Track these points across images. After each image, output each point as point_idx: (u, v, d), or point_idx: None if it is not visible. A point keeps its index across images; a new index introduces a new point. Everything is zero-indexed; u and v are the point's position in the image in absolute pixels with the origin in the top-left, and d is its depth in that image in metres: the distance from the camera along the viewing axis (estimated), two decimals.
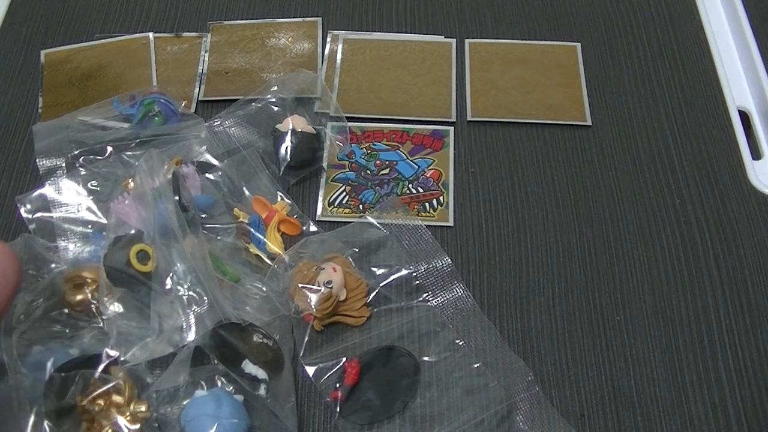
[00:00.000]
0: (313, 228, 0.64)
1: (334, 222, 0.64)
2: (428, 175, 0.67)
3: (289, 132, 0.66)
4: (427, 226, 0.63)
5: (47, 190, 0.63)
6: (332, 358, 0.57)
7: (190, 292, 0.54)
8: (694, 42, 0.77)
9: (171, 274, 0.54)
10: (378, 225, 0.62)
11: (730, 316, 0.60)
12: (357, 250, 0.61)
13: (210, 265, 0.56)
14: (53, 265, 0.58)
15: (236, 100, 0.70)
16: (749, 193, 0.67)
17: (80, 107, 0.69)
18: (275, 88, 0.70)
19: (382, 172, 0.67)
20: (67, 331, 0.56)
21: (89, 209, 0.62)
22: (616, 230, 0.64)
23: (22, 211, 0.62)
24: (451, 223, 0.64)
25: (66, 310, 0.57)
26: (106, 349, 0.53)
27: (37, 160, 0.65)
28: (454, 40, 0.77)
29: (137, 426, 0.50)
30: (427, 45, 0.76)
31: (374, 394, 0.55)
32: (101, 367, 0.52)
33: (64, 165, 0.64)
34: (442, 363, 0.57)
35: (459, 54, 0.76)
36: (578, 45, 0.76)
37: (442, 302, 0.59)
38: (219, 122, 0.68)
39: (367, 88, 0.73)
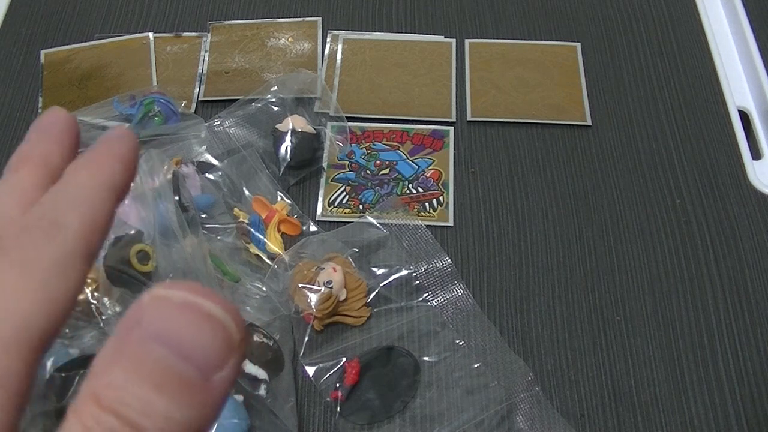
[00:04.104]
0: (313, 228, 0.64)
1: (334, 222, 0.64)
2: (428, 175, 0.67)
3: (289, 132, 0.66)
4: (427, 226, 0.63)
5: None
6: (332, 358, 0.57)
7: None
8: (694, 42, 0.77)
9: (171, 274, 0.54)
10: (378, 225, 0.62)
11: (730, 316, 0.60)
12: (357, 250, 0.61)
13: (210, 265, 0.56)
14: None
15: (236, 100, 0.70)
16: (749, 193, 0.67)
17: (80, 107, 0.69)
18: (275, 88, 0.70)
19: (382, 172, 0.67)
20: (67, 331, 0.56)
21: None
22: (616, 230, 0.64)
23: None
24: (451, 223, 0.64)
25: None
26: None
27: None
28: (454, 40, 0.77)
29: None
30: (427, 45, 0.76)
31: (374, 394, 0.55)
32: None
33: None
34: (442, 363, 0.57)
35: (459, 54, 0.76)
36: (578, 45, 0.76)
37: (442, 302, 0.59)
38: (219, 122, 0.68)
39: (367, 88, 0.73)
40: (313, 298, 0.57)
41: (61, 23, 0.79)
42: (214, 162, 0.66)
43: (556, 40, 0.77)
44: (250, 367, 0.53)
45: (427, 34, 0.77)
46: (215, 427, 0.50)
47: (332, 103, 0.71)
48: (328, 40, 0.77)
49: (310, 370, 0.56)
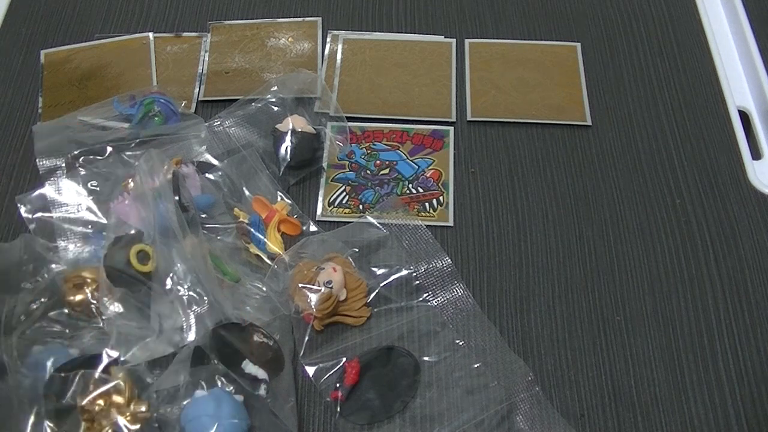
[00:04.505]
0: (313, 228, 0.64)
1: (334, 222, 0.64)
2: (428, 175, 0.67)
3: (289, 132, 0.66)
4: (427, 226, 0.63)
5: (47, 190, 0.63)
6: (332, 358, 0.57)
7: (190, 292, 0.54)
8: (694, 42, 0.77)
9: (171, 274, 0.54)
10: (378, 225, 0.62)
11: (730, 316, 0.60)
12: (357, 250, 0.61)
13: (210, 265, 0.56)
14: (53, 265, 0.58)
15: (236, 100, 0.70)
16: (749, 193, 0.67)
17: (80, 107, 0.69)
18: (275, 88, 0.70)
19: (382, 172, 0.67)
20: (67, 331, 0.56)
21: (89, 209, 0.62)
22: (616, 230, 0.64)
23: (22, 211, 0.62)
24: (451, 223, 0.64)
25: (66, 310, 0.57)
26: (106, 349, 0.53)
27: (37, 160, 0.65)
28: (454, 40, 0.77)
29: (137, 426, 0.50)
30: (427, 45, 0.76)
31: (374, 394, 0.55)
32: (101, 367, 0.52)
33: (64, 165, 0.64)
34: (442, 363, 0.57)
35: (459, 54, 0.76)
36: (578, 45, 0.76)
37: (442, 302, 0.59)
38: (219, 122, 0.68)
39: (367, 88, 0.73)
40: (313, 298, 0.57)
41: (61, 23, 0.79)
42: (214, 162, 0.66)
43: (556, 40, 0.77)
44: (250, 367, 0.53)
45: (427, 34, 0.77)
46: (215, 427, 0.50)
47: (332, 103, 0.71)
48: (328, 40, 0.77)
49: (310, 370, 0.56)
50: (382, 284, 0.60)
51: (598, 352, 0.58)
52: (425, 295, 0.60)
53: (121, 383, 0.51)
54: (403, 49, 0.76)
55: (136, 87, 0.71)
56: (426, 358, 0.57)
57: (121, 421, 0.50)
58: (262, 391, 0.53)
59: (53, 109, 0.72)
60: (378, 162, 0.68)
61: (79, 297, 0.56)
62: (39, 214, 0.62)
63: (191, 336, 0.53)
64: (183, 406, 0.52)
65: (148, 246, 0.55)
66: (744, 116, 0.74)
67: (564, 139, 0.70)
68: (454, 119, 0.71)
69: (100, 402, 0.50)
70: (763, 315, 0.60)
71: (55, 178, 0.63)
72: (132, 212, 0.58)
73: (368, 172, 0.67)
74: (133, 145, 0.65)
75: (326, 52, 0.76)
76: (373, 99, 0.72)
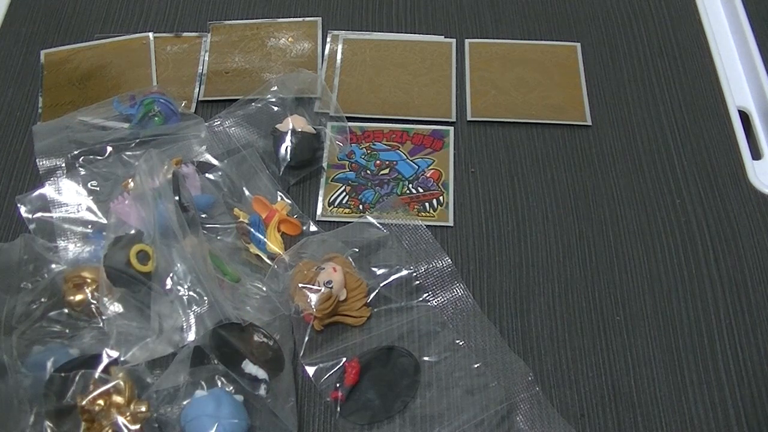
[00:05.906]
0: (313, 228, 0.64)
1: (334, 222, 0.64)
2: (428, 175, 0.67)
3: (289, 132, 0.66)
4: (427, 226, 0.63)
5: (47, 190, 0.63)
6: (332, 358, 0.57)
7: (190, 292, 0.54)
8: (694, 42, 0.77)
9: (171, 274, 0.54)
10: (378, 225, 0.62)
11: (730, 316, 0.60)
12: (357, 250, 0.61)
13: (210, 265, 0.56)
14: (53, 265, 0.58)
15: (236, 100, 0.70)
16: (749, 193, 0.67)
17: (80, 107, 0.70)
18: (275, 88, 0.70)
19: (382, 172, 0.67)
20: (67, 331, 0.56)
21: (89, 209, 0.62)
22: (616, 230, 0.64)
23: (22, 211, 0.62)
24: (451, 223, 0.64)
25: (66, 310, 0.57)
26: (106, 349, 0.53)
27: (37, 160, 0.65)
28: (454, 40, 0.77)
29: (137, 426, 0.50)
30: (427, 45, 0.76)
31: (374, 394, 0.55)
32: (101, 367, 0.52)
33: (64, 165, 0.64)
34: (442, 363, 0.57)
35: (459, 54, 0.76)
36: (578, 45, 0.76)
37: (442, 302, 0.59)
38: (219, 122, 0.68)
39: (367, 88, 0.73)
40: (313, 298, 0.57)
41: (61, 23, 0.79)
42: (214, 162, 0.66)
43: (556, 40, 0.77)
44: (250, 367, 0.53)
45: (427, 34, 0.77)
46: (215, 427, 0.50)
47: (332, 103, 0.71)
48: (328, 40, 0.77)
49: (310, 370, 0.56)
50: (382, 284, 0.60)
51: (598, 352, 0.58)
52: (425, 295, 0.60)
53: (121, 383, 0.51)
54: (403, 49, 0.76)
55: (136, 87, 0.71)
56: (426, 358, 0.57)
57: (121, 421, 0.50)
58: (262, 391, 0.53)
59: (53, 109, 0.72)
60: (378, 162, 0.68)
61: (79, 297, 0.56)
62: (39, 214, 0.62)
63: (191, 336, 0.53)
64: (183, 406, 0.52)
65: (148, 246, 0.55)
66: (744, 116, 0.74)
67: (564, 139, 0.70)
68: (454, 119, 0.71)
69: (100, 402, 0.50)
70: (763, 315, 0.60)
71: (55, 178, 0.63)
72: (132, 212, 0.58)
73: (368, 172, 0.67)
74: (133, 145, 0.65)
75: (326, 52, 0.76)
76: (373, 99, 0.72)
